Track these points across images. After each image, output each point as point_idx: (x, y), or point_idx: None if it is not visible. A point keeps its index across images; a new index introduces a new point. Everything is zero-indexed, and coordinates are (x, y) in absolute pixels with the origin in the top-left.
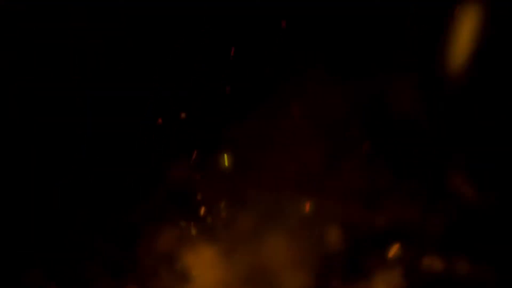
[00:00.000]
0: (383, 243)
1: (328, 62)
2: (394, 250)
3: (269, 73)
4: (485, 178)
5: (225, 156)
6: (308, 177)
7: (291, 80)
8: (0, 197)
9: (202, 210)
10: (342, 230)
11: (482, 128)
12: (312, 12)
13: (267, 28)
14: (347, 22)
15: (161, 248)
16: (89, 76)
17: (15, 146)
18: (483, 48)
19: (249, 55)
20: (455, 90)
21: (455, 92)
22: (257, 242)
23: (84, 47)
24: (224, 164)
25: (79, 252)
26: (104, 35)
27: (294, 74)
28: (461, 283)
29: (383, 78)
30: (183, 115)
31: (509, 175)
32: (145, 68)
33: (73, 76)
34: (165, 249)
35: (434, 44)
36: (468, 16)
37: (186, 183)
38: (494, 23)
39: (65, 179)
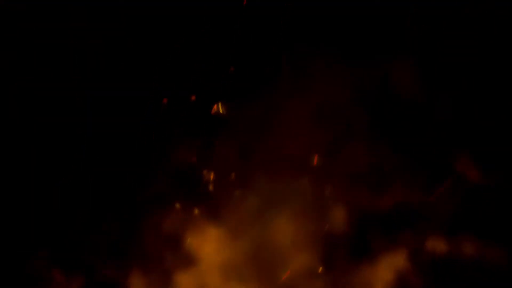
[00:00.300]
0: (388, 226)
1: (331, 48)
2: (448, 183)
3: (273, 60)
4: (491, 159)
5: (220, 104)
6: (313, 160)
7: (295, 66)
8: (2, 194)
9: (207, 193)
10: (347, 212)
11: (487, 111)
12: (315, 9)
13: (270, 18)
14: (350, 11)
15: (166, 231)
16: (89, 76)
17: (15, 146)
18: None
19: (252, 43)
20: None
21: (459, 77)
22: (263, 223)
23: (84, 47)
24: (219, 111)
25: (83, 237)
26: (104, 35)
27: (297, 60)
28: (468, 265)
29: (386, 63)
30: (193, 97)
31: None
32: (145, 68)
33: (73, 76)
34: (170, 231)
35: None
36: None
37: (191, 166)
38: (494, 23)
39: (65, 179)
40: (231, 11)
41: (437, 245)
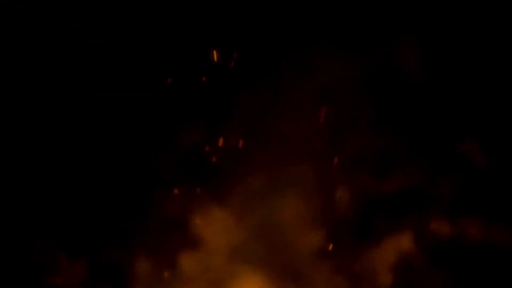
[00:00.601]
0: (393, 209)
1: (333, 34)
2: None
3: (276, 47)
4: (494, 141)
5: (214, 52)
6: (318, 144)
7: (298, 52)
8: (2, 193)
9: (212, 175)
10: (352, 195)
11: (490, 94)
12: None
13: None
14: (350, 11)
15: (170, 213)
16: (89, 76)
17: (15, 146)
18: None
19: (252, 43)
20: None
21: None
22: (268, 205)
23: (84, 47)
24: (214, 59)
25: (88, 220)
26: (104, 35)
27: (300, 46)
28: (472, 247)
29: (388, 48)
30: (204, 78)
31: None
32: (145, 68)
33: (73, 76)
34: (174, 214)
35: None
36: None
37: (195, 148)
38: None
39: (65, 179)
40: (231, 11)
41: (441, 227)
